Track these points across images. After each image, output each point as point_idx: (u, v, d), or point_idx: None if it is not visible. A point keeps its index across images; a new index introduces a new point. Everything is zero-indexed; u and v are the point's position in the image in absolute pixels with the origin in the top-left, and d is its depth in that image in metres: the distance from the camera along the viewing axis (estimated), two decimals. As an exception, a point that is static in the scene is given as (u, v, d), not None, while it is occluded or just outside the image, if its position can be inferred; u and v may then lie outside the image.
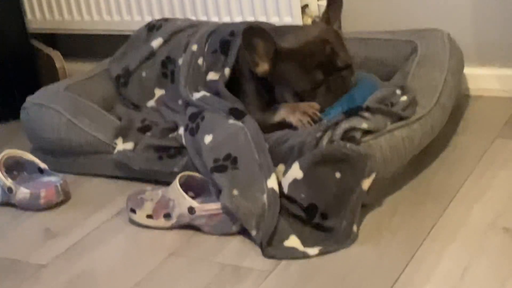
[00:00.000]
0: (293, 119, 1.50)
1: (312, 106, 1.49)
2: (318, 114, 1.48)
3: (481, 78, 1.83)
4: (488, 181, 1.47)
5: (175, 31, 1.81)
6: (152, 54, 1.80)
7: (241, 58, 1.61)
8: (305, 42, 1.51)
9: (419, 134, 1.48)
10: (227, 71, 1.62)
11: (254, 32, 1.50)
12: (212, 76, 1.64)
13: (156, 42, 1.81)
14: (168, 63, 1.77)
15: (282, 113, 1.53)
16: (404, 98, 1.50)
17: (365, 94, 1.50)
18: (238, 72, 1.62)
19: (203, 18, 1.99)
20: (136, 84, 1.81)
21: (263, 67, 1.53)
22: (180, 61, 1.73)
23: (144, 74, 1.81)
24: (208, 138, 1.50)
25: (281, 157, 1.43)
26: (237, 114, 1.53)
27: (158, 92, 1.79)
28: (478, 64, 1.83)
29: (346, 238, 1.34)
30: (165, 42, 1.80)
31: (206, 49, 1.69)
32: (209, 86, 1.64)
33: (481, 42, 1.82)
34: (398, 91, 1.51)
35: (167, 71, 1.77)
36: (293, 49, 1.51)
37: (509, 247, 1.27)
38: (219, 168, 1.44)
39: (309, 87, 1.50)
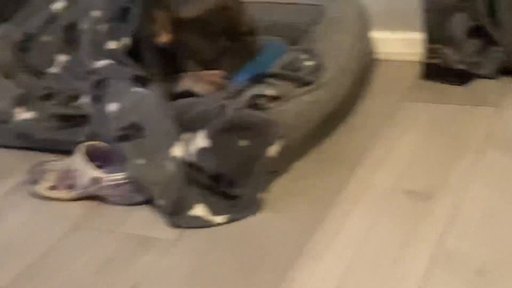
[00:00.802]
0: (198, 88, 1.50)
1: (217, 74, 1.49)
2: (224, 82, 1.48)
3: (387, 42, 1.85)
4: (392, 144, 1.50)
5: None
6: (54, 18, 1.75)
7: (142, 27, 1.58)
8: (204, 10, 1.51)
9: (325, 99, 1.49)
10: (127, 40, 1.60)
11: (152, 2, 1.49)
12: (112, 45, 1.61)
13: (57, 5, 1.76)
14: (70, 29, 1.72)
15: (186, 83, 1.52)
16: (310, 62, 1.51)
17: (272, 60, 1.50)
18: (140, 41, 1.59)
19: None
20: (37, 50, 1.75)
21: (164, 37, 1.52)
22: (81, 27, 1.69)
23: (45, 39, 1.76)
24: (113, 106, 1.48)
25: (187, 125, 1.42)
26: (141, 81, 1.51)
27: (62, 58, 1.74)
28: (385, 28, 1.85)
29: (253, 205, 1.35)
30: (67, 6, 1.75)
31: (107, 16, 1.65)
32: (110, 55, 1.60)
33: (388, 7, 1.84)
34: (303, 56, 1.52)
35: (72, 36, 1.73)
36: (193, 18, 1.51)
37: (409, 209, 1.30)
38: (124, 137, 1.42)
39: (213, 55, 1.50)
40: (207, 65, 1.51)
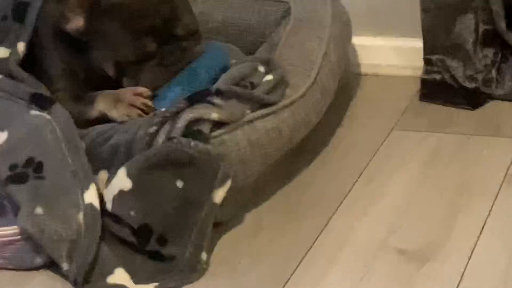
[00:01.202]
0: (116, 114, 1.51)
1: (140, 94, 1.50)
2: (150, 103, 1.49)
3: (375, 51, 1.89)
4: (380, 186, 1.52)
5: None
6: None
7: (43, 24, 1.59)
8: None
9: (290, 125, 1.50)
10: (21, 45, 1.59)
11: None
12: (1, 53, 1.61)
13: None
14: None
15: (101, 106, 1.53)
16: (269, 77, 1.51)
17: (212, 68, 1.52)
18: (39, 47, 1.60)
19: None
20: None
21: (76, 22, 1.53)
22: None
23: None
24: (1, 137, 1.47)
25: (102, 160, 1.42)
26: (41, 102, 1.50)
27: None
28: (371, 32, 1.89)
29: (192, 270, 1.35)
30: None
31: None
32: None
33: (375, 5, 1.87)
34: (261, 68, 1.53)
35: None
36: (118, 2, 1.51)
37: (401, 273, 1.30)
38: (17, 178, 1.41)
39: (134, 58, 1.52)
40: (125, 70, 1.52)
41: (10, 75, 1.58)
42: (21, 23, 1.62)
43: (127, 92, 1.52)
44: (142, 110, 1.49)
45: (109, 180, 1.39)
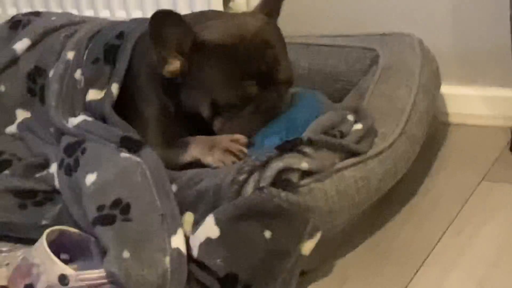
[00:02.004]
0: (211, 159, 1.51)
1: (237, 140, 1.51)
2: (245, 150, 1.50)
3: (463, 100, 1.88)
4: (469, 238, 1.50)
5: (47, 30, 1.81)
6: (15, 61, 1.80)
7: (137, 65, 1.62)
8: (239, 37, 1.52)
9: (378, 175, 1.49)
10: (115, 87, 1.62)
11: (165, 17, 1.51)
12: (93, 95, 1.64)
13: (21, 45, 1.82)
14: (36, 75, 1.77)
15: (195, 152, 1.54)
16: (358, 126, 1.51)
17: (308, 119, 1.51)
18: (131, 89, 1.63)
19: (88, 12, 1.98)
20: None
21: (174, 64, 1.54)
22: (51, 73, 1.73)
23: (2, 88, 1.81)
24: (90, 178, 1.49)
25: (189, 203, 1.43)
26: (131, 144, 1.52)
27: (22, 115, 1.79)
28: (459, 81, 1.88)
29: (277, 320, 1.34)
30: (33, 45, 1.80)
31: (84, 61, 1.70)
32: (90, 109, 1.64)
33: (463, 52, 1.87)
34: (350, 117, 1.52)
35: (35, 86, 1.77)
36: (221, 44, 1.52)
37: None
38: (104, 219, 1.42)
39: (234, 101, 1.52)
40: (221, 113, 1.53)
41: (102, 118, 1.60)
42: (113, 65, 1.65)
43: (223, 138, 1.52)
44: (237, 156, 1.49)
45: (196, 226, 1.39)
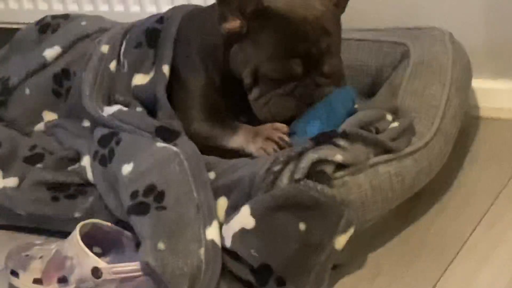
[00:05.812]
0: (253, 147, 1.54)
1: (280, 129, 1.52)
2: (286, 138, 1.51)
3: (495, 94, 1.88)
4: (502, 232, 1.51)
5: (78, 37, 1.85)
6: (44, 66, 1.83)
7: (187, 38, 1.64)
8: (302, 15, 1.53)
9: (412, 173, 1.50)
10: (166, 69, 1.64)
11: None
12: (139, 79, 1.67)
13: (52, 52, 1.84)
14: (63, 78, 1.81)
15: (240, 140, 1.56)
16: (395, 124, 1.53)
17: (347, 105, 1.53)
18: (176, 69, 1.65)
19: (87, 7, 2.03)
20: (18, 104, 1.84)
21: (233, 23, 1.55)
22: (84, 75, 1.74)
23: (27, 91, 1.83)
24: (127, 168, 1.50)
25: (224, 188, 1.45)
26: (167, 134, 1.54)
27: (49, 116, 1.82)
28: (491, 74, 1.88)
29: (309, 312, 1.35)
30: (64, 52, 1.83)
31: (124, 48, 1.72)
32: (137, 93, 1.66)
33: (494, 45, 1.87)
34: (389, 116, 1.54)
35: (61, 89, 1.81)
36: (283, 15, 1.53)
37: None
38: (139, 208, 1.43)
39: (276, 75, 1.53)
40: (258, 83, 1.54)
41: (150, 101, 1.62)
42: (156, 48, 1.67)
43: (266, 127, 1.53)
44: (278, 144, 1.51)
45: (229, 215, 1.41)
